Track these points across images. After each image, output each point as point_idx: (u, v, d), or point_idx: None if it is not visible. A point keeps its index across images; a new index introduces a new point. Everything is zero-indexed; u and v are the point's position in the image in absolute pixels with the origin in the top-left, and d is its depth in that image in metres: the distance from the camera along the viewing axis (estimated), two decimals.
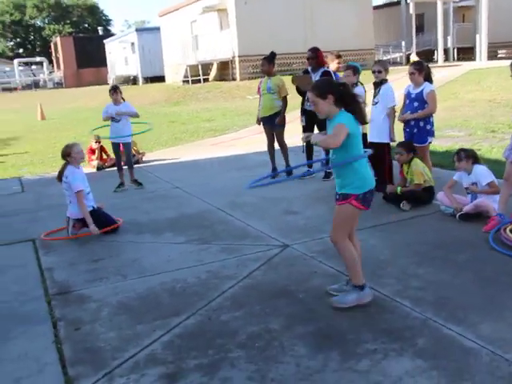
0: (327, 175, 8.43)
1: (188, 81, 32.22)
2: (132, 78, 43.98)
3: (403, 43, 35.59)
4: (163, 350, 3.67)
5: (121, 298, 4.58)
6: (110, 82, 44.08)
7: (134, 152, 11.65)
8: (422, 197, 6.58)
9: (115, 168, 10.21)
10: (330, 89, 3.96)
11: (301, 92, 8.48)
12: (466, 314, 3.82)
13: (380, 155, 7.39)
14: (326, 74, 8.17)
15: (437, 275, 4.54)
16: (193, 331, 3.90)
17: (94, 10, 74.08)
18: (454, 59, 35.64)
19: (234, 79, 30.63)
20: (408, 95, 7.14)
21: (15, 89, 52.73)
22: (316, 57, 8.32)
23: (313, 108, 7.73)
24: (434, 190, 6.67)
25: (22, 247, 6.24)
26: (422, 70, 7.06)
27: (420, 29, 37.70)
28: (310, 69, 8.44)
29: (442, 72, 23.87)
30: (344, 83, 4.26)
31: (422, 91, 6.93)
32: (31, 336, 4.00)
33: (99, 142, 11.32)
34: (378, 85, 7.22)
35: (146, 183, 9.25)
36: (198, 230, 6.37)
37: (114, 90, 8.86)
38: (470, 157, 6.12)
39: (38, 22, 72.36)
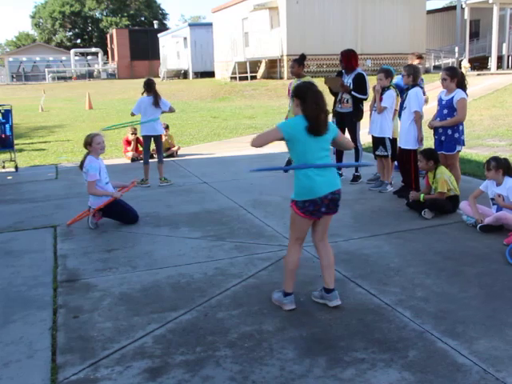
0: (355, 178, 8.32)
1: (236, 77, 32.36)
2: (183, 72, 44.49)
3: (456, 49, 34.74)
4: (153, 344, 3.69)
5: (125, 289, 4.63)
6: (161, 75, 44.72)
7: (168, 145, 11.83)
8: (445, 206, 6.41)
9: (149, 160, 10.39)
10: (297, 92, 4.01)
11: (333, 93, 8.39)
12: (464, 329, 3.70)
13: (407, 161, 7.27)
14: (359, 76, 8.05)
15: (443, 287, 4.41)
16: (186, 327, 3.91)
17: (151, 4, 75.19)
18: (508, 67, 34.56)
19: (281, 78, 30.59)
20: (439, 101, 6.96)
21: (70, 78, 54.14)
22: (350, 58, 8.20)
23: (344, 110, 7.66)
24: (459, 199, 6.48)
25: (44, 233, 6.39)
26: (454, 76, 6.87)
27: (475, 35, 36.76)
28: (343, 71, 8.32)
29: (493, 79, 23.24)
30: (316, 90, 4.07)
31: (452, 98, 6.74)
32: (30, 321, 4.08)
33: (135, 134, 11.48)
34: (408, 89, 7.06)
35: (175, 177, 9.35)
36: (215, 226, 6.38)
37: (148, 85, 8.77)
38: (500, 167, 5.90)
39: (97, 14, 74.02)
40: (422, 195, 6.50)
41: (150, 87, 8.63)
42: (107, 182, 6.74)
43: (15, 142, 14.91)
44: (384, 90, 7.54)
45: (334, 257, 4.25)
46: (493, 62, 31.86)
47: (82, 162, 6.73)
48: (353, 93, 8.01)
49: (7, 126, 10.84)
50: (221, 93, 28.51)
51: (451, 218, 6.29)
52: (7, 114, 10.83)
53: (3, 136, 10.83)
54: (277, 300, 4.21)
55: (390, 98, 7.52)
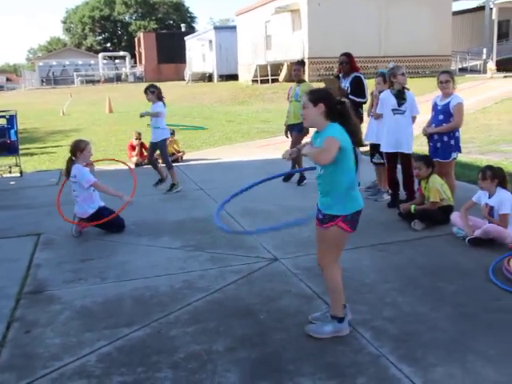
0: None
1: (257, 80, 32.22)
2: (208, 75, 44.55)
3: (484, 50, 33.95)
4: (96, 363, 3.54)
5: (87, 302, 4.50)
6: (187, 78, 44.90)
7: (173, 151, 11.74)
8: (437, 216, 6.12)
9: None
10: (324, 98, 3.60)
11: None
12: (424, 354, 3.45)
13: (409, 167, 6.94)
14: (357, 79, 7.81)
15: (414, 306, 4.16)
16: (135, 344, 3.76)
17: (179, 7, 75.70)
18: None
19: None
20: (434, 107, 6.66)
21: (98, 81, 54.80)
22: (349, 62, 7.96)
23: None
24: (453, 209, 6.19)
25: (26, 241, 6.30)
26: (453, 79, 6.58)
27: (504, 36, 35.86)
28: (341, 75, 8.10)
29: None
30: (343, 102, 3.72)
31: (448, 103, 6.44)
32: None
33: (139, 139, 11.42)
34: (403, 92, 6.76)
35: None
36: (197, 235, 6.22)
37: (145, 91, 8.60)
38: (496, 177, 5.61)
39: (126, 18, 74.83)
40: (412, 206, 6.23)
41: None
42: (94, 189, 6.62)
43: (28, 146, 15.17)
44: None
45: None
46: None
47: (68, 170, 6.61)
48: (350, 96, 7.77)
49: (12, 131, 10.90)
50: (241, 96, 28.41)
51: (442, 229, 6.00)
52: (12, 119, 10.89)
53: (8, 141, 10.88)
54: (331, 332, 3.73)
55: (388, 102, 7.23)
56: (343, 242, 3.76)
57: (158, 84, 8.98)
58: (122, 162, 7.86)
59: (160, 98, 8.46)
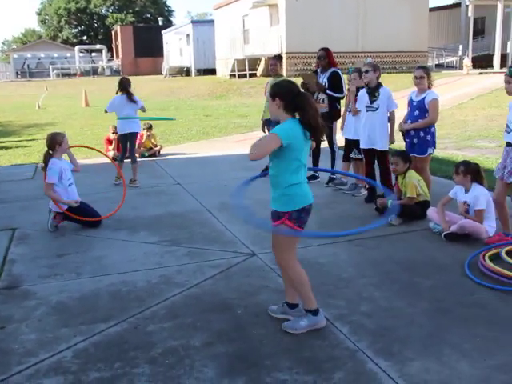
0: (330, 180, 8.09)
1: (235, 75, 32.13)
2: (185, 69, 44.27)
3: (460, 47, 34.32)
4: (72, 359, 3.50)
5: (63, 298, 4.45)
6: (164, 72, 44.54)
7: (151, 145, 11.67)
8: (414, 211, 6.18)
9: (128, 160, 10.27)
10: (280, 92, 3.56)
11: (309, 92, 8.16)
12: (401, 348, 3.48)
13: (382, 163, 6.99)
14: (335, 74, 7.83)
15: (391, 301, 4.19)
16: (111, 340, 3.72)
17: (156, 1, 74.87)
18: None
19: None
20: (410, 102, 6.69)
21: (74, 75, 54.08)
22: (326, 56, 7.97)
23: (319, 110, 7.43)
24: (430, 205, 6.25)
25: (0, 236, 6.21)
26: (429, 74, 6.63)
27: (480, 32, 36.27)
28: (318, 70, 8.11)
29: (495, 78, 22.89)
30: (303, 93, 3.72)
31: (423, 99, 6.48)
32: None
33: (116, 133, 11.29)
34: (375, 89, 6.78)
35: (151, 177, 9.24)
36: (174, 230, 6.19)
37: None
38: (468, 172, 5.66)
39: (103, 11, 73.87)
40: (389, 201, 6.27)
41: (122, 86, 8.52)
42: (70, 183, 6.53)
43: (2, 139, 14.94)
44: (358, 90, 7.29)
45: None
46: (496, 61, 31.41)
47: (46, 164, 6.51)
48: (328, 92, 7.79)
49: None
50: (218, 90, 28.29)
51: (419, 224, 6.05)
52: None
53: None
54: (307, 326, 3.72)
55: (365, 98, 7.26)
56: (294, 239, 3.77)
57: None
58: (100, 152, 7.91)
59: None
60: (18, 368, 3.40)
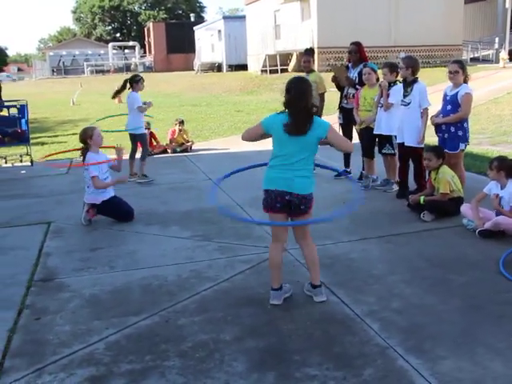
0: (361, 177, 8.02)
1: (266, 70, 32.09)
2: (217, 65, 44.41)
3: (497, 39, 33.56)
4: (104, 350, 3.56)
5: (95, 291, 4.53)
6: (196, 68, 44.77)
7: (183, 140, 11.77)
8: (447, 208, 6.08)
9: (162, 155, 10.48)
10: (286, 87, 3.97)
11: (339, 88, 8.13)
12: (432, 346, 3.44)
13: (416, 159, 6.90)
14: None
15: (422, 298, 4.14)
16: (143, 333, 3.78)
17: None
18: None
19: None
20: (444, 97, 6.60)
21: (108, 71, 54.80)
22: (358, 51, 7.91)
23: (349, 105, 7.35)
24: (463, 201, 6.14)
25: (36, 229, 6.35)
26: (464, 69, 6.51)
27: None
28: (350, 64, 8.05)
29: None
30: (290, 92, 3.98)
31: (457, 93, 6.37)
32: None
33: (149, 129, 11.42)
34: (409, 84, 6.71)
35: (183, 172, 9.30)
36: (205, 225, 6.23)
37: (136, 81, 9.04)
38: (502, 168, 5.55)
39: (136, 8, 74.62)
40: (421, 197, 6.19)
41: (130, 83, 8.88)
42: (106, 177, 6.64)
43: (39, 135, 15.23)
44: (390, 85, 7.21)
45: (317, 255, 4.20)
46: None
47: (84, 158, 6.65)
48: (357, 87, 7.73)
49: (23, 120, 10.94)
50: (250, 86, 28.29)
51: (452, 221, 5.96)
52: (23, 108, 10.92)
53: (19, 131, 10.92)
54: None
55: (397, 93, 7.18)
56: (271, 217, 4.12)
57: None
58: None
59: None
60: (53, 358, 3.49)
